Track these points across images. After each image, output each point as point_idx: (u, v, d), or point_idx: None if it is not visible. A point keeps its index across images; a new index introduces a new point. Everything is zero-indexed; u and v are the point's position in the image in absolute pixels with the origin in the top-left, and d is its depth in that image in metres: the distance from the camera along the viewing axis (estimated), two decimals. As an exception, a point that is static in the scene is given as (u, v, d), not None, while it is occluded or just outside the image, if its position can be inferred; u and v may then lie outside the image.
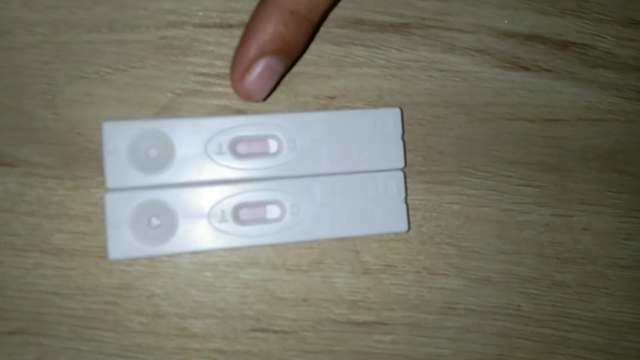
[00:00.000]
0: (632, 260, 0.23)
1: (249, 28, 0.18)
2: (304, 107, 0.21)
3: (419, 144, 0.22)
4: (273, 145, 0.20)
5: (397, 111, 0.21)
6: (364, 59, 0.22)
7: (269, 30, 0.18)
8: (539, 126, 0.23)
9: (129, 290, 0.20)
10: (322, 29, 0.21)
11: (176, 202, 0.19)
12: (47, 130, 0.19)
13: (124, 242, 0.19)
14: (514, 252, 0.22)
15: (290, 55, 0.18)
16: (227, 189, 0.20)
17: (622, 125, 0.23)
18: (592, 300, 0.23)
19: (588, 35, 0.23)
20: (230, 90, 0.21)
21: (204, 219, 0.19)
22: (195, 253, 0.20)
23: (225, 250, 0.20)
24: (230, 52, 0.21)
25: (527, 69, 0.23)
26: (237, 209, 0.20)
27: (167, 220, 0.19)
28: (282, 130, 0.20)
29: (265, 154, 0.20)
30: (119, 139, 0.19)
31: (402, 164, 0.21)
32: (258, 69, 0.18)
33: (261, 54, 0.18)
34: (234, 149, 0.20)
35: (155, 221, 0.19)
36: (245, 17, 0.21)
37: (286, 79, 0.21)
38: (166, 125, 0.19)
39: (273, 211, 0.20)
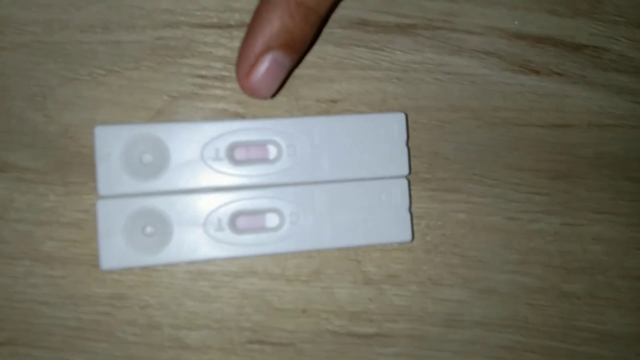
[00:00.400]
0: (644, 272, 0.22)
1: (254, 21, 0.17)
2: (305, 111, 0.20)
3: (424, 150, 0.21)
4: (272, 151, 0.19)
5: (401, 116, 0.20)
6: (368, 61, 0.21)
7: (275, 24, 0.17)
8: (549, 132, 0.22)
9: (122, 300, 0.19)
10: (325, 30, 0.20)
11: (171, 209, 0.18)
12: (38, 133, 0.19)
13: (116, 252, 0.18)
14: (521, 262, 0.21)
15: (298, 49, 0.18)
16: (224, 197, 0.19)
17: (635, 131, 0.23)
18: (601, 312, 0.22)
19: (602, 37, 0.22)
20: (228, 93, 0.20)
21: (200, 227, 0.18)
22: (190, 263, 0.19)
23: (222, 259, 0.19)
24: (229, 54, 0.20)
25: (537, 72, 0.22)
26: (234, 217, 0.19)
27: (162, 228, 0.18)
28: (282, 135, 0.19)
29: (264, 160, 0.19)
30: (112, 144, 0.18)
31: (406, 171, 0.20)
32: (265, 64, 0.17)
33: (268, 49, 0.17)
34: (232, 155, 0.19)
35: (149, 229, 0.18)
36: (245, 17, 0.20)
37: (287, 81, 0.20)
38: (161, 130, 0.18)
39: (272, 220, 0.19)
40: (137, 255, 0.18)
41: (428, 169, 0.21)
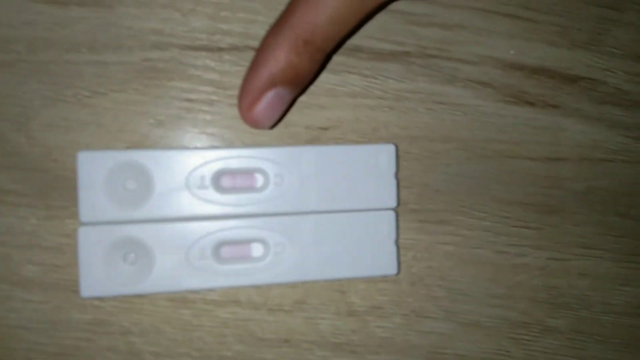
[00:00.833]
0: (629, 307, 0.22)
1: (260, 55, 0.17)
2: (295, 138, 0.20)
3: (414, 181, 0.21)
4: (259, 180, 0.19)
5: (391, 148, 0.20)
6: (360, 88, 0.20)
7: (281, 60, 0.17)
8: (541, 165, 0.22)
9: (102, 326, 0.19)
10: (317, 55, 0.20)
11: (153, 238, 0.18)
12: (20, 155, 0.18)
13: (97, 280, 0.18)
14: (506, 296, 0.21)
15: (301, 85, 0.18)
16: (208, 225, 0.19)
17: (627, 166, 0.22)
18: (584, 347, 0.22)
19: (598, 69, 0.22)
20: (217, 117, 0.19)
21: (182, 256, 0.18)
22: (171, 293, 0.19)
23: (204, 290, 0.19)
24: (218, 77, 0.19)
25: (532, 104, 0.22)
26: (218, 246, 0.19)
27: (144, 257, 0.18)
28: (270, 164, 0.19)
29: (250, 188, 0.19)
30: (95, 170, 0.18)
31: (394, 204, 0.20)
32: (268, 99, 0.17)
33: (272, 84, 0.17)
34: (218, 183, 0.19)
35: (131, 258, 0.18)
36: (236, 40, 0.19)
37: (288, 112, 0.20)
38: (145, 157, 0.18)
39: (256, 250, 0.19)
40: (118, 284, 0.18)
41: (417, 200, 0.21)
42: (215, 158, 0.19)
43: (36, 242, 0.18)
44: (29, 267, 0.18)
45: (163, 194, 0.18)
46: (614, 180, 0.22)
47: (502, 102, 0.21)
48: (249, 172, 0.19)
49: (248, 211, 0.19)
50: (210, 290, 0.19)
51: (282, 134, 0.20)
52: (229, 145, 0.20)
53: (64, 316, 0.19)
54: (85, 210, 0.18)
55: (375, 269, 0.20)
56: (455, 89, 0.21)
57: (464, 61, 0.21)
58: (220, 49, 0.19)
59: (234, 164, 0.19)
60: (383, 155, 0.20)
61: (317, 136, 0.20)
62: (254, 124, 0.18)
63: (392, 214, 0.20)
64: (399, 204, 0.20)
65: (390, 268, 0.20)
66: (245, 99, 0.17)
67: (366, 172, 0.20)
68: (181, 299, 0.19)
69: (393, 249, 0.20)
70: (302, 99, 0.20)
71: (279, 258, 0.19)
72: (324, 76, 0.20)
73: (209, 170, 0.18)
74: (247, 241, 0.19)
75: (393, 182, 0.20)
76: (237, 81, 0.19)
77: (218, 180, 0.19)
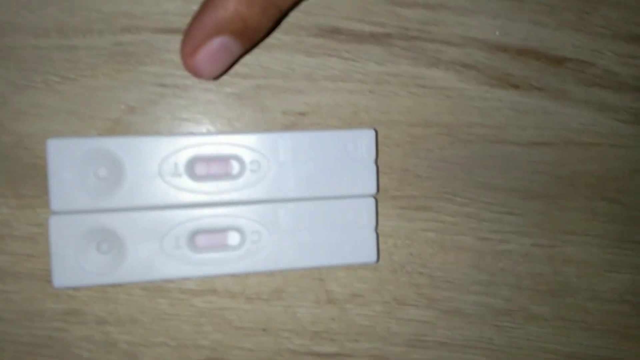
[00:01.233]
0: (615, 294, 0.22)
1: (209, 1, 0.16)
2: (271, 124, 0.20)
3: (394, 167, 0.20)
4: (235, 167, 0.19)
5: (371, 133, 0.19)
6: (340, 72, 0.20)
7: (230, 9, 0.16)
8: (526, 150, 0.21)
9: (77, 316, 0.18)
10: (294, 38, 0.19)
11: (126, 227, 0.18)
12: (-11, 143, 0.18)
13: (70, 269, 0.17)
14: (489, 283, 0.21)
15: (250, 38, 0.17)
16: (182, 214, 0.18)
17: (615, 150, 0.22)
18: (569, 335, 0.22)
19: (586, 50, 0.21)
20: (190, 102, 0.19)
21: (157, 246, 0.18)
22: (145, 282, 0.19)
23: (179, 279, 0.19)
24: (191, 62, 0.19)
25: (517, 86, 0.21)
26: (193, 235, 0.18)
27: (117, 246, 0.18)
28: (246, 150, 0.19)
29: (225, 176, 0.19)
30: (65, 157, 0.17)
31: (374, 191, 0.19)
32: (212, 46, 0.16)
33: (217, 32, 0.16)
34: (191, 170, 0.18)
35: (104, 247, 0.18)
36: (210, 23, 0.19)
37: (252, 92, 0.19)
38: (116, 144, 0.18)
39: (232, 238, 0.19)
40: (91, 273, 0.18)
41: (398, 187, 0.20)
42: (188, 145, 0.18)
43: (8, 232, 0.18)
44: (1, 257, 0.18)
45: (135, 182, 0.18)
46: (601, 164, 0.22)
47: (486, 85, 0.21)
48: (224, 159, 0.19)
49: (223, 199, 0.18)
50: (186, 279, 0.19)
51: (259, 120, 0.19)
52: (204, 131, 0.19)
53: (37, 306, 0.18)
54: (56, 199, 0.17)
55: (355, 256, 0.19)
56: (438, 72, 0.20)
57: (447, 43, 0.21)
58: (193, 32, 0.19)
59: (208, 150, 0.18)
60: (363, 141, 0.19)
61: (295, 122, 0.20)
62: (195, 71, 0.17)
63: (371, 201, 0.19)
64: (379, 190, 0.20)
65: (369, 256, 0.19)
66: (188, 44, 0.16)
67: (345, 158, 0.19)
68: (157, 288, 0.19)
69: (373, 236, 0.19)
70: (279, 83, 0.19)
71: (256, 246, 0.19)
72: (301, 59, 0.20)
73: (183, 158, 0.18)
74: (223, 229, 0.19)
75: (373, 168, 0.19)
76: (212, 65, 0.19)
77: (192, 167, 0.18)
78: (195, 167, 0.18)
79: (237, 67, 0.19)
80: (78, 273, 0.18)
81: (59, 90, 0.18)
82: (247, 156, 0.19)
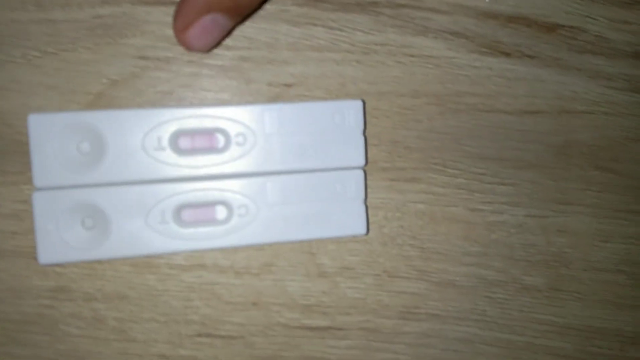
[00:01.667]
0: (609, 263, 0.22)
1: None
2: (256, 96, 0.19)
3: (383, 138, 0.20)
4: (220, 140, 0.18)
5: (358, 104, 0.19)
6: (326, 42, 0.19)
7: None
8: (517, 119, 0.21)
9: (65, 292, 0.18)
10: (279, 7, 0.19)
11: (110, 202, 0.18)
12: (-31, 120, 0.18)
13: (55, 246, 0.17)
14: (481, 255, 0.21)
15: (241, 13, 0.17)
16: (167, 188, 0.18)
17: (608, 118, 0.21)
18: (562, 305, 0.22)
19: (578, 16, 0.21)
20: (173, 75, 0.19)
21: (142, 220, 0.18)
22: (131, 257, 0.19)
23: (165, 254, 0.19)
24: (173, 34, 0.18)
25: (507, 54, 0.21)
26: (178, 210, 0.18)
27: (101, 222, 0.18)
28: (231, 123, 0.18)
29: (210, 149, 0.18)
30: (47, 133, 0.17)
31: (362, 162, 0.19)
32: (203, 23, 0.16)
33: (208, 9, 0.16)
34: (175, 144, 0.18)
35: (88, 222, 0.18)
36: (191, -7, 0.18)
37: (236, 63, 0.19)
38: (98, 118, 0.17)
39: (219, 212, 0.19)
40: (76, 250, 0.17)
41: (387, 158, 0.20)
42: (171, 118, 0.18)
43: (-8, 209, 0.18)
44: (-14, 235, 0.18)
45: (119, 156, 0.18)
46: (594, 133, 0.21)
47: (476, 53, 0.20)
48: (208, 133, 0.18)
49: (209, 173, 0.18)
50: (174, 254, 0.19)
51: (244, 92, 0.19)
52: (187, 104, 0.19)
53: (24, 283, 0.18)
54: (39, 175, 0.17)
55: (344, 229, 0.19)
56: (426, 41, 0.20)
57: (435, 10, 0.20)
58: (174, 3, 0.18)
59: (192, 124, 0.18)
60: (350, 112, 0.19)
61: (280, 93, 0.19)
62: (188, 46, 0.17)
63: (360, 173, 0.19)
64: (367, 162, 0.19)
65: (359, 228, 0.19)
66: (180, 20, 0.16)
67: (333, 130, 0.19)
68: (145, 264, 0.19)
69: (362, 208, 0.19)
70: (264, 54, 0.19)
71: (243, 220, 0.18)
72: (286, 29, 0.19)
73: (166, 131, 0.18)
74: (210, 204, 0.18)
75: (361, 139, 0.19)
76: (194, 37, 0.18)
77: (176, 141, 0.18)
78: (180, 141, 0.18)
79: (220, 38, 0.19)
80: (63, 249, 0.17)
81: (38, 65, 0.18)
82: (232, 129, 0.18)
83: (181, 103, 0.19)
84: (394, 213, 0.20)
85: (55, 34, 0.18)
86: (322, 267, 0.20)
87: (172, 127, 0.18)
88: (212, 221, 0.18)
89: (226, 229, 0.18)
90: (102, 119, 0.17)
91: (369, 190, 0.20)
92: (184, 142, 0.18)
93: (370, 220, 0.20)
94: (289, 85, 0.19)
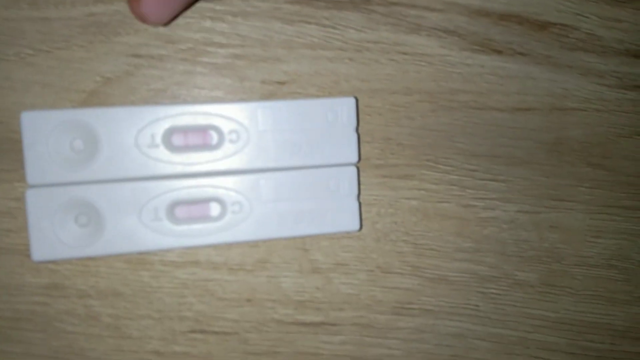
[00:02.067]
0: (600, 259, 0.22)
1: None
2: (250, 93, 0.19)
3: (376, 135, 0.20)
4: (213, 137, 0.19)
5: (351, 101, 0.19)
6: (319, 39, 0.20)
7: None
8: (509, 116, 0.21)
9: (59, 289, 0.18)
10: (271, 5, 0.19)
11: (104, 200, 0.18)
12: (-37, 118, 0.18)
13: (48, 243, 0.17)
14: (474, 250, 0.21)
15: None
16: (160, 185, 0.18)
17: (600, 115, 0.22)
18: (555, 300, 0.22)
19: (570, 14, 0.21)
20: (166, 73, 0.19)
21: (135, 217, 0.18)
22: (125, 254, 0.19)
23: (159, 251, 0.19)
24: (167, 31, 0.19)
25: (499, 52, 0.21)
26: (172, 206, 0.18)
27: (95, 219, 0.18)
28: (224, 120, 0.18)
29: (204, 146, 0.18)
30: (40, 130, 0.17)
31: (355, 159, 0.19)
32: None
33: None
34: (169, 141, 0.18)
35: (82, 220, 0.18)
36: (184, -9, 0.19)
37: (230, 61, 0.19)
38: (91, 115, 0.17)
39: (213, 209, 0.19)
40: (69, 247, 0.17)
41: (380, 155, 0.20)
42: (165, 115, 0.18)
43: (-15, 207, 0.18)
44: (-21, 232, 0.18)
45: (112, 153, 0.18)
46: (586, 130, 0.22)
47: (468, 51, 0.21)
48: (201, 130, 0.18)
49: (202, 170, 0.18)
50: (168, 251, 0.19)
51: (237, 89, 0.19)
52: (181, 102, 0.19)
53: (18, 281, 0.18)
54: (32, 172, 0.17)
55: (337, 225, 0.19)
56: (419, 38, 0.20)
57: (428, 8, 0.20)
58: (168, 1, 0.19)
59: (185, 121, 0.18)
60: (343, 109, 0.19)
61: (274, 91, 0.19)
62: (142, 17, 0.16)
63: (353, 170, 0.19)
64: (360, 159, 0.20)
65: (352, 224, 0.19)
66: None
67: (326, 127, 0.19)
68: (139, 261, 0.19)
69: (355, 204, 0.19)
70: (257, 51, 0.19)
71: (237, 217, 0.19)
72: (279, 27, 0.19)
73: (159, 128, 0.18)
74: (203, 201, 0.18)
75: (354, 136, 0.19)
76: (188, 35, 0.19)
77: (169, 138, 0.18)
78: (173, 138, 0.18)
79: (213, 36, 0.19)
80: (57, 246, 0.17)
81: (32, 63, 0.18)
82: (225, 126, 0.18)
83: (175, 101, 0.19)
84: (387, 209, 0.20)
85: (49, 32, 0.18)
86: (315, 263, 0.20)
87: (166, 125, 0.18)
88: (206, 218, 0.19)
89: (220, 226, 0.18)
90: (96, 117, 0.17)
91: (362, 186, 0.20)
92: (177, 140, 0.18)
93: (363, 217, 0.20)
94: (282, 83, 0.19)
